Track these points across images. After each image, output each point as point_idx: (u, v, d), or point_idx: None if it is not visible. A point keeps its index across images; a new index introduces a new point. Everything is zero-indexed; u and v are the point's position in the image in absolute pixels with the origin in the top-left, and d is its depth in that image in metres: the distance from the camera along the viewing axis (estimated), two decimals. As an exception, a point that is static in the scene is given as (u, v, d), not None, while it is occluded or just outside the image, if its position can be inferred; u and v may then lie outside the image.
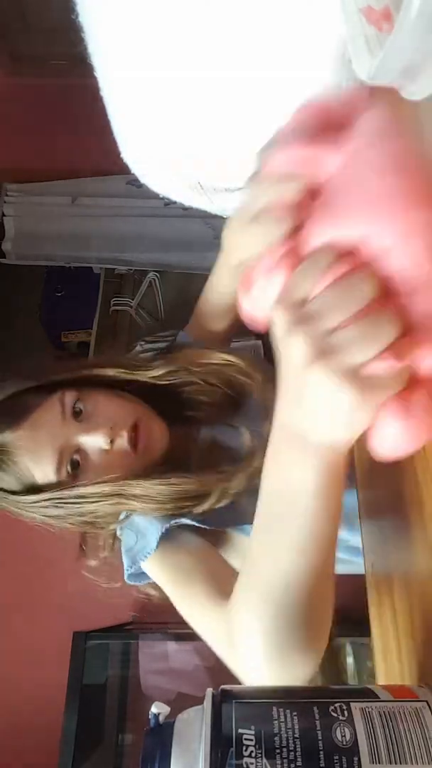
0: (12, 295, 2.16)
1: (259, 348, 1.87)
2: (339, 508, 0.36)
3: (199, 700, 0.35)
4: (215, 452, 0.77)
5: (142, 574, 0.71)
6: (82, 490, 0.68)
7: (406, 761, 0.29)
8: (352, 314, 0.28)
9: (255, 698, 0.34)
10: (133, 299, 2.10)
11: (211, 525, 0.70)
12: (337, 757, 0.29)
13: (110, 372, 0.75)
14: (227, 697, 0.34)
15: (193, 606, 0.61)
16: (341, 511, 0.37)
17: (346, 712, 0.31)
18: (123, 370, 0.75)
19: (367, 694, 0.34)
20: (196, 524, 0.69)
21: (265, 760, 0.29)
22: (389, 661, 0.53)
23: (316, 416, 0.31)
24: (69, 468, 0.68)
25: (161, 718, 0.35)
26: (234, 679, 0.45)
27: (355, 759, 0.29)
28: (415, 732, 0.30)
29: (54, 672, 1.52)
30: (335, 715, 0.31)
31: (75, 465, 0.68)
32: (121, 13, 0.49)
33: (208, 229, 1.83)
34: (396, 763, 0.29)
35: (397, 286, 0.29)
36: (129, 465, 0.70)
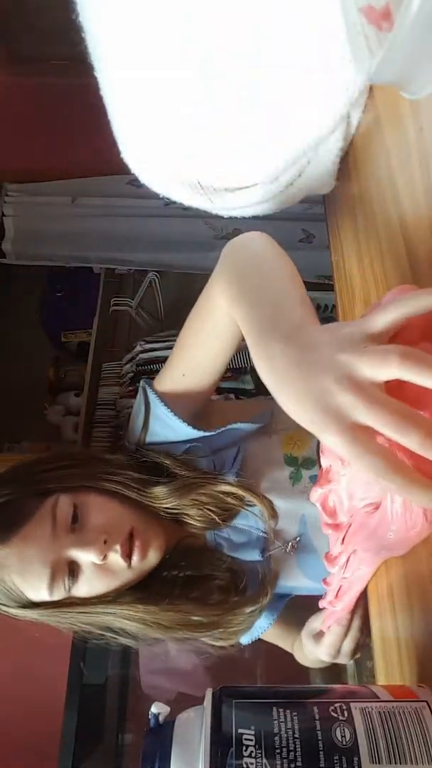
0: (12, 295, 2.16)
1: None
2: None
3: (199, 700, 0.35)
4: (222, 564, 0.75)
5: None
6: (79, 608, 0.68)
7: (405, 761, 0.29)
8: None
9: (255, 698, 0.34)
10: (133, 299, 2.10)
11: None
12: (337, 757, 0.29)
13: (110, 486, 0.71)
14: (227, 697, 0.34)
15: None
16: None
17: (346, 712, 0.31)
18: (125, 489, 0.71)
19: (367, 694, 0.34)
20: None
21: (265, 760, 0.29)
22: (389, 661, 0.53)
23: None
24: (66, 582, 0.65)
25: (161, 718, 0.35)
26: (234, 679, 0.45)
27: (355, 759, 0.29)
28: (414, 732, 0.30)
29: (54, 672, 1.52)
30: (335, 715, 0.31)
31: (72, 575, 0.66)
32: (120, 13, 0.48)
33: (208, 229, 1.83)
34: (396, 763, 0.29)
35: None
36: (123, 575, 0.67)
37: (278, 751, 0.30)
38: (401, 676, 0.50)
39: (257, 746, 0.30)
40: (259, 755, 0.29)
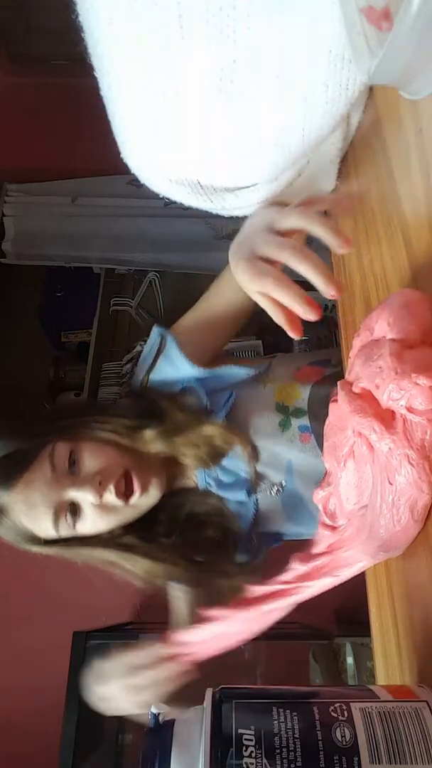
0: (12, 295, 2.16)
1: (259, 347, 1.88)
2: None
3: (199, 702, 0.35)
4: (214, 511, 0.80)
5: None
6: (86, 546, 0.74)
7: (406, 761, 0.29)
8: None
9: (255, 698, 0.34)
10: (133, 299, 2.10)
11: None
12: (337, 758, 0.29)
13: (104, 434, 0.76)
14: (227, 697, 0.34)
15: None
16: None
17: (345, 713, 0.31)
18: (116, 436, 0.76)
19: (367, 694, 0.34)
20: None
21: (265, 760, 0.29)
22: (389, 661, 0.53)
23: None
24: (68, 519, 0.71)
25: (161, 718, 0.35)
26: (234, 680, 0.45)
27: (355, 759, 0.29)
28: (415, 732, 0.30)
29: (54, 672, 1.52)
30: (335, 715, 0.31)
31: (74, 514, 0.71)
32: (120, 13, 0.48)
33: (208, 229, 1.83)
34: (396, 763, 0.29)
35: None
36: (122, 513, 0.73)
37: (278, 751, 0.29)
38: (401, 676, 0.50)
39: (257, 746, 0.30)
40: (259, 755, 0.29)
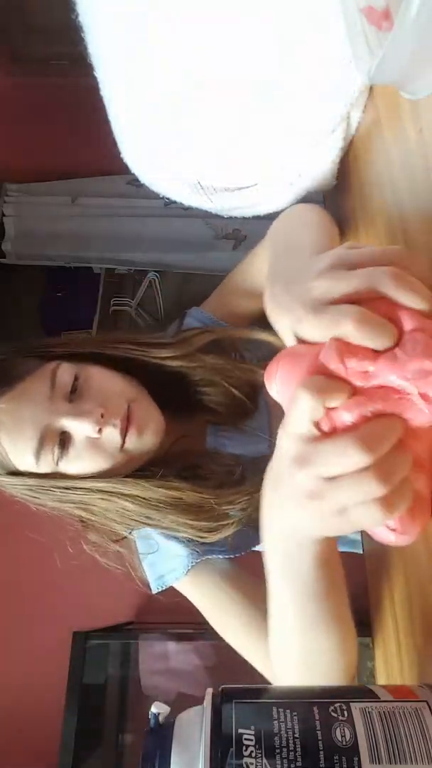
0: (12, 295, 2.16)
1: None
2: (338, 569, 0.41)
3: (199, 700, 0.35)
4: (222, 461, 0.71)
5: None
6: (66, 482, 0.63)
7: (406, 761, 0.29)
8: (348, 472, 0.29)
9: (255, 698, 0.34)
10: (133, 299, 2.10)
11: (238, 553, 0.68)
12: (337, 757, 0.29)
13: (115, 350, 0.68)
14: (227, 697, 0.34)
15: (227, 631, 0.67)
16: (341, 569, 0.42)
17: (346, 713, 0.31)
18: (130, 346, 0.68)
19: (367, 694, 0.34)
20: (223, 557, 0.67)
21: (265, 760, 0.29)
22: (389, 661, 0.53)
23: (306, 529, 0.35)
24: (55, 451, 0.61)
25: (161, 718, 0.35)
26: (234, 680, 0.45)
27: (355, 759, 0.29)
28: (415, 732, 0.30)
29: (54, 672, 1.52)
30: (335, 715, 0.31)
31: (63, 446, 0.62)
32: (120, 13, 0.48)
33: (208, 229, 1.82)
34: (396, 763, 0.29)
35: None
36: (115, 456, 0.63)
37: (278, 751, 0.29)
38: (401, 676, 0.50)
39: (257, 746, 0.30)
40: (259, 755, 0.29)
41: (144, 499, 0.64)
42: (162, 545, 0.69)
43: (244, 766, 0.29)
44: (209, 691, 0.35)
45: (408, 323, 0.30)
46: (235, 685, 0.35)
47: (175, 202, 0.67)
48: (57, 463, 0.62)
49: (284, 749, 0.30)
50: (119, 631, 1.65)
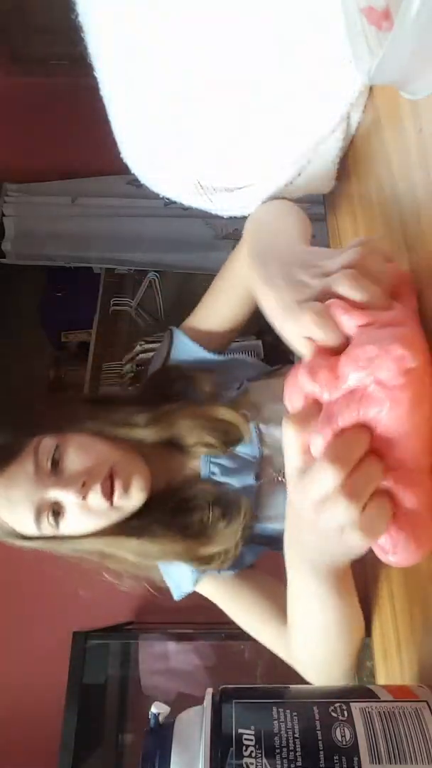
0: (12, 295, 2.16)
1: (259, 348, 1.88)
2: (351, 591, 0.50)
3: (199, 700, 0.35)
4: (209, 496, 0.75)
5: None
6: (71, 541, 0.70)
7: (406, 761, 0.29)
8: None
9: (255, 698, 0.34)
10: (133, 299, 2.10)
11: (236, 569, 0.74)
12: (337, 757, 0.29)
13: (93, 425, 0.72)
14: (227, 696, 0.34)
15: (250, 626, 0.74)
16: (353, 590, 0.50)
17: (345, 713, 0.31)
18: (108, 426, 0.72)
19: (367, 694, 0.34)
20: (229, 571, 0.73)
21: (265, 760, 0.29)
22: (389, 661, 0.53)
23: (323, 551, 0.39)
24: (50, 519, 0.67)
25: (161, 718, 0.35)
26: (234, 680, 0.45)
27: (355, 759, 0.29)
28: (414, 732, 0.30)
29: (54, 672, 1.52)
30: (335, 715, 0.31)
31: (56, 515, 0.68)
32: (120, 13, 0.48)
33: (208, 229, 1.83)
34: (396, 763, 0.29)
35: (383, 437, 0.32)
36: (107, 515, 0.69)
37: (278, 750, 0.29)
38: (401, 676, 0.50)
39: (257, 746, 0.30)
40: (259, 755, 0.29)
41: (141, 552, 0.72)
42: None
43: (244, 766, 0.29)
44: (209, 690, 0.35)
45: (360, 319, 0.32)
46: (235, 685, 0.35)
47: (175, 202, 0.67)
48: (57, 527, 0.68)
49: (284, 749, 0.30)
50: (119, 631, 1.65)
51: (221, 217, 0.70)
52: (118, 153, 0.63)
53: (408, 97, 0.41)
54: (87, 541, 0.71)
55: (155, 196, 0.68)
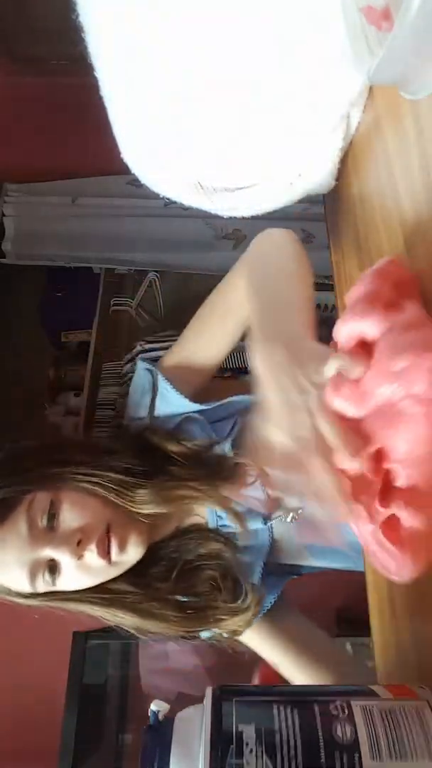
0: (12, 295, 2.16)
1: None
2: None
3: (199, 700, 0.35)
4: (214, 553, 0.75)
5: None
6: (66, 604, 0.70)
7: (407, 757, 0.29)
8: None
9: (255, 696, 0.34)
10: (133, 299, 2.10)
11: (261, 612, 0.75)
12: (338, 754, 0.29)
13: (89, 486, 0.69)
14: (227, 694, 0.34)
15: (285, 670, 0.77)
16: None
17: (346, 710, 0.31)
18: (103, 490, 0.68)
19: (367, 693, 0.34)
20: None
21: (265, 758, 0.29)
22: (389, 661, 0.53)
23: None
24: (46, 577, 0.65)
25: (161, 716, 0.35)
26: (234, 679, 0.45)
27: (356, 755, 0.29)
28: (415, 729, 0.30)
29: (54, 672, 1.52)
30: (336, 712, 0.31)
31: (53, 571, 0.66)
32: (120, 13, 0.49)
33: (208, 229, 1.82)
34: (397, 760, 0.29)
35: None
36: (105, 572, 0.67)
37: (279, 748, 0.30)
38: (401, 676, 0.50)
39: (258, 744, 0.30)
40: (260, 753, 0.29)
41: (140, 629, 0.74)
42: None
43: (245, 763, 0.29)
44: (209, 688, 0.35)
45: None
46: (236, 684, 0.36)
47: (175, 202, 0.67)
48: (54, 584, 0.66)
49: (285, 746, 0.30)
50: (119, 631, 1.65)
51: (221, 217, 0.70)
52: (118, 153, 0.63)
53: (408, 97, 0.42)
54: (85, 606, 0.71)
55: (155, 196, 0.68)
